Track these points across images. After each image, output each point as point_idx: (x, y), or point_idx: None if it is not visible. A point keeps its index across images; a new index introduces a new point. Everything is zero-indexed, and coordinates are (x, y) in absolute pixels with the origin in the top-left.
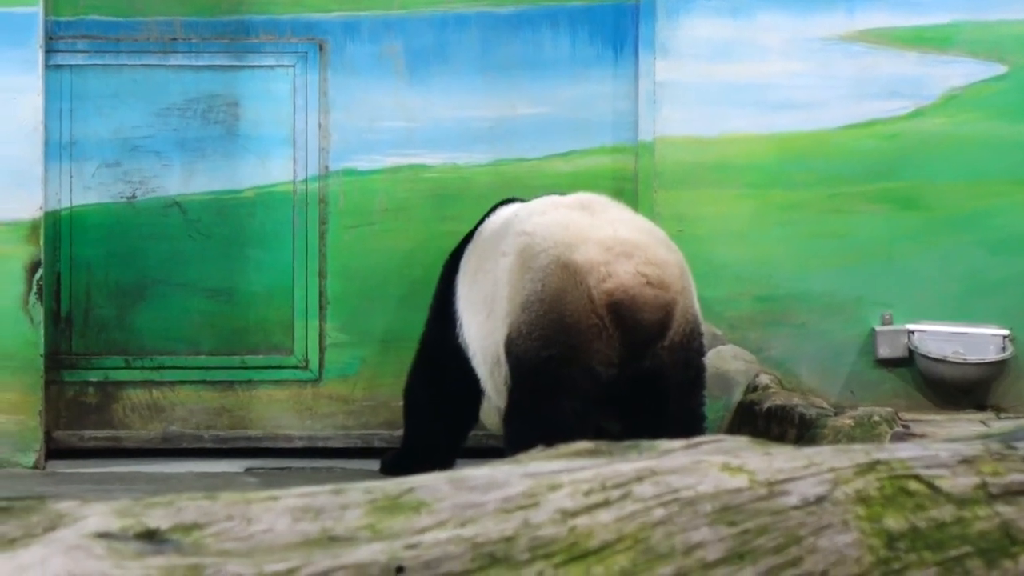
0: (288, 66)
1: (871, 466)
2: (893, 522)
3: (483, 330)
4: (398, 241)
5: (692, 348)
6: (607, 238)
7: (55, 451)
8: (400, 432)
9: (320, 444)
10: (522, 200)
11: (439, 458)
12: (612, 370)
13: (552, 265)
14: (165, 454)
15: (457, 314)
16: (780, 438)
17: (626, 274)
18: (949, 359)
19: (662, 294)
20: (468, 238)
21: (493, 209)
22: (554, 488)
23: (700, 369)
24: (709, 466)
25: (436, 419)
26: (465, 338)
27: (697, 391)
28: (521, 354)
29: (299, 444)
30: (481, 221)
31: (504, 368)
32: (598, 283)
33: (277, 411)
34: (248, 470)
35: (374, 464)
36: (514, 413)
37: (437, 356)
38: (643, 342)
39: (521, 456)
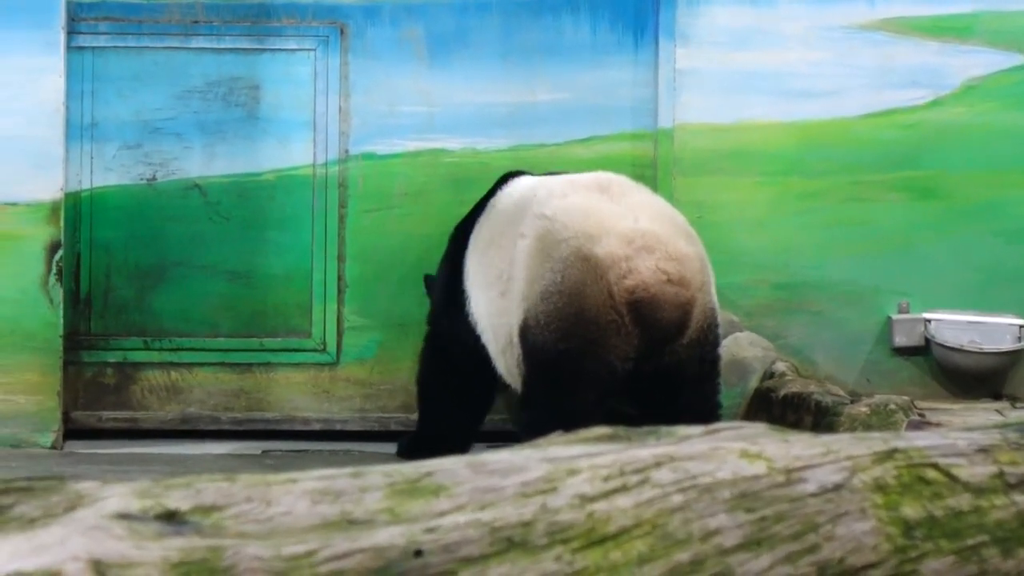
0: (309, 49)
1: (889, 454)
2: (910, 510)
3: (495, 308)
4: (417, 225)
5: (709, 342)
6: (629, 230)
7: (73, 432)
8: (417, 415)
9: (337, 427)
10: (531, 173)
11: (456, 441)
12: (628, 364)
13: (572, 257)
14: (182, 436)
15: (466, 291)
16: (796, 425)
17: (647, 270)
18: (965, 348)
19: (682, 292)
20: (476, 212)
21: (502, 182)
22: (573, 473)
23: (716, 360)
24: (727, 452)
25: (451, 401)
26: (474, 315)
27: (712, 380)
28: (539, 343)
29: (316, 427)
30: (490, 195)
31: (517, 350)
32: (619, 279)
33: (295, 394)
34: (265, 452)
35: (391, 447)
36: (531, 401)
37: (446, 335)
38: (661, 340)
39: (540, 441)
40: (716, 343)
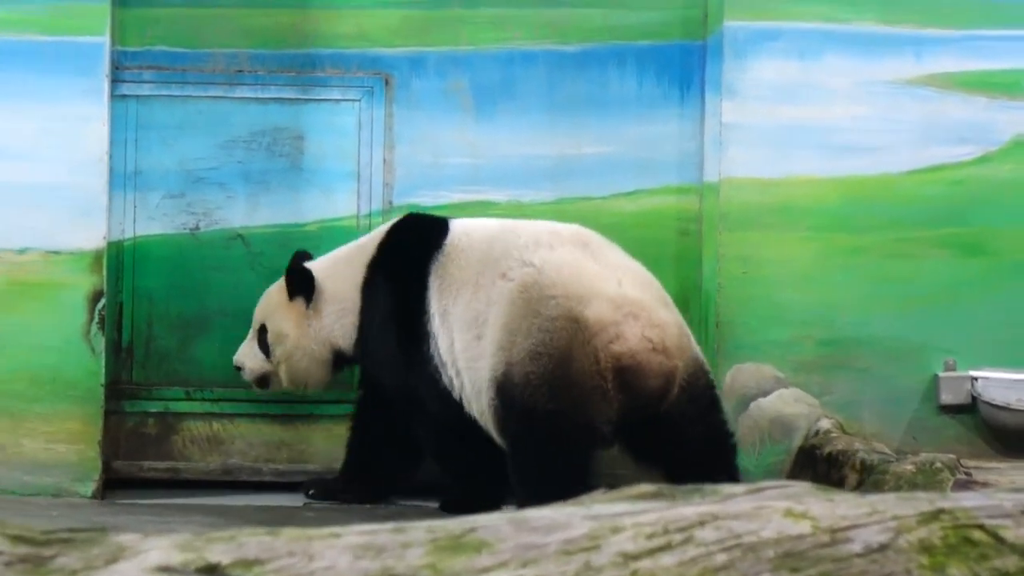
0: (354, 100)
1: (935, 515)
2: (956, 572)
3: (472, 352)
4: None
5: (698, 388)
6: (615, 295)
7: (114, 481)
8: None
9: None
10: (431, 215)
11: (492, 493)
12: (610, 427)
13: (562, 318)
14: (224, 487)
15: (432, 333)
16: (841, 483)
17: (633, 337)
18: (1012, 406)
19: (665, 361)
20: (415, 254)
21: (409, 227)
22: (616, 531)
23: (713, 398)
24: (772, 511)
25: (465, 452)
26: (442, 357)
27: (715, 413)
28: (527, 402)
29: None
30: (422, 237)
31: (490, 398)
32: (606, 345)
33: (336, 445)
34: (306, 505)
35: (433, 502)
36: (521, 453)
37: (415, 388)
38: (643, 406)
39: (584, 497)
40: (709, 385)
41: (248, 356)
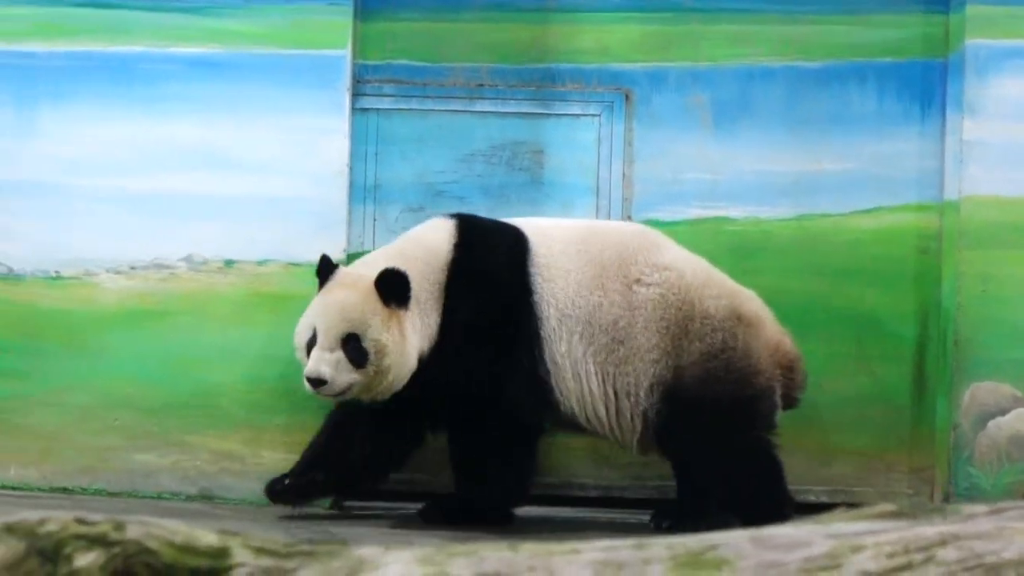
0: (594, 115)
1: None
2: None
3: (605, 356)
4: None
5: None
6: (746, 290)
7: None
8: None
9: (615, 494)
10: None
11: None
12: (777, 418)
13: (732, 317)
14: None
15: (545, 336)
16: None
17: (780, 332)
18: None
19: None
20: (501, 255)
21: (484, 228)
22: (857, 550)
23: None
24: (1014, 532)
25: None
26: (558, 359)
27: None
28: (703, 398)
29: (594, 493)
30: (490, 242)
31: (635, 404)
32: (779, 337)
33: (573, 459)
34: (543, 519)
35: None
36: (709, 453)
37: (507, 394)
38: (795, 400)
39: (823, 516)
40: None
41: (333, 367)
